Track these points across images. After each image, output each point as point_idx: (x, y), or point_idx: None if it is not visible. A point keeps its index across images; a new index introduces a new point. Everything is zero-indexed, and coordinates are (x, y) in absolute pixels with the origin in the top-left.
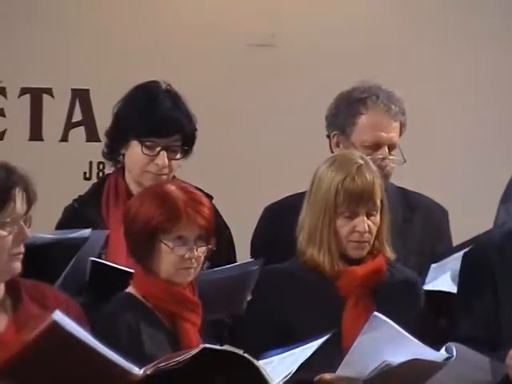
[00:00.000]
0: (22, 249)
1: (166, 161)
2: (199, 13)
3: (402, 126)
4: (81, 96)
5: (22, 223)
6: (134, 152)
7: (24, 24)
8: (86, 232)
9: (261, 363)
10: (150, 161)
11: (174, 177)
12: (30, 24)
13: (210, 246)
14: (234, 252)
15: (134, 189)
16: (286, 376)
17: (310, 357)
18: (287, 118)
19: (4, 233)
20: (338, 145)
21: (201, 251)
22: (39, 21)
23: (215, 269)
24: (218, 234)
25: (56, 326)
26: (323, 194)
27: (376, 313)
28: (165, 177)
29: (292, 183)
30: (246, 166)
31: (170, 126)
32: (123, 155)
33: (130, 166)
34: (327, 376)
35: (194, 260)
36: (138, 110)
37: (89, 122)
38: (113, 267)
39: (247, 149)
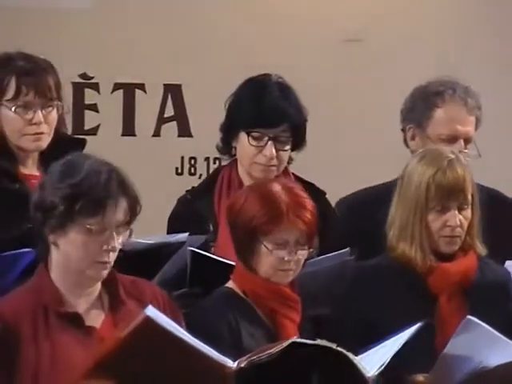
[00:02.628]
0: (106, 258)
1: (274, 152)
2: (292, 9)
3: (478, 121)
4: (173, 91)
5: (114, 233)
6: (243, 144)
7: (116, 20)
8: (184, 237)
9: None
10: (258, 152)
11: (285, 169)
12: (122, 20)
13: (311, 250)
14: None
15: (247, 181)
16: (380, 367)
17: (403, 354)
18: (380, 113)
19: (89, 239)
20: (413, 138)
21: (301, 254)
22: (131, 16)
23: (310, 260)
24: (329, 230)
25: (149, 322)
26: (414, 189)
27: (469, 316)
28: (274, 168)
29: (392, 175)
30: (337, 159)
31: (275, 116)
32: (235, 148)
33: (241, 158)
34: (420, 377)
35: (293, 263)
36: (246, 100)
37: (181, 117)
38: (212, 258)
39: (340, 142)
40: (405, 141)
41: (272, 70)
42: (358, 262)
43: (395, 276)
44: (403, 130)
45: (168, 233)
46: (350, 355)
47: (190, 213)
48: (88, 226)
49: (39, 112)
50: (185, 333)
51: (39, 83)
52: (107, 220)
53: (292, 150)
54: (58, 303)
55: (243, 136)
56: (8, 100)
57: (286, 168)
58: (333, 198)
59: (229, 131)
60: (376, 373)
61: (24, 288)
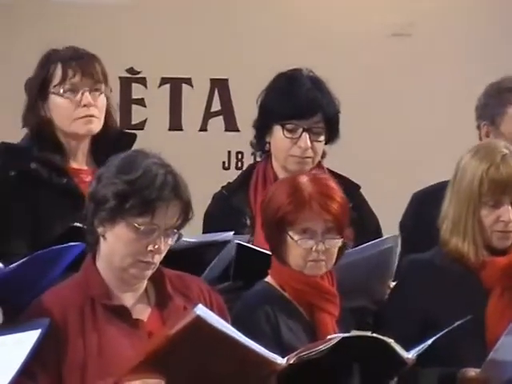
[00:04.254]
0: (150, 259)
1: (309, 142)
2: (338, 4)
3: None
4: (220, 86)
5: (161, 235)
6: (278, 137)
7: (163, 15)
8: (229, 235)
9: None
10: (293, 144)
11: (319, 163)
12: (169, 15)
13: (342, 239)
14: None
15: (282, 175)
16: (419, 350)
17: (454, 349)
18: (426, 107)
19: (135, 238)
20: (487, 135)
21: (330, 244)
22: (178, 11)
23: (350, 250)
24: (365, 224)
25: (199, 321)
26: (467, 184)
27: None
28: (309, 160)
29: (434, 171)
30: (389, 153)
31: (308, 107)
32: (269, 143)
33: (275, 152)
34: (471, 372)
35: (322, 253)
36: (278, 94)
37: (228, 111)
38: (258, 251)
39: (388, 137)
40: (480, 138)
41: (317, 65)
42: (412, 255)
43: (447, 270)
44: (478, 128)
45: (204, 229)
46: (387, 339)
47: (227, 208)
48: (136, 225)
49: (87, 94)
50: (234, 330)
51: (85, 65)
52: (156, 221)
53: (326, 142)
54: (105, 296)
55: (277, 129)
56: (55, 85)
57: (319, 162)
58: (377, 197)
59: (262, 126)
60: (415, 355)
61: (72, 281)
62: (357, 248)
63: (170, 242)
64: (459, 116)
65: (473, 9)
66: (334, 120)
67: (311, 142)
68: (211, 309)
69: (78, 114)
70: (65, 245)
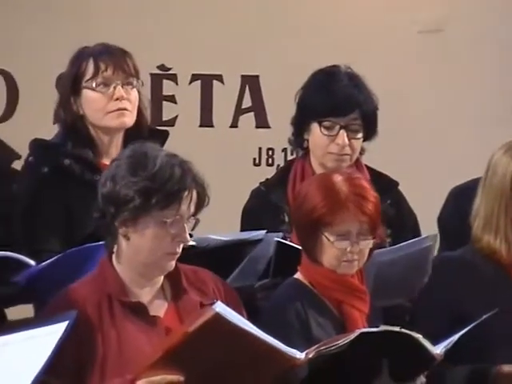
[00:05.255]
0: (177, 249)
1: (346, 140)
2: (367, 1)
3: None
4: (251, 82)
5: (185, 226)
6: (315, 134)
7: (194, 12)
8: (261, 234)
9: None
10: (331, 141)
11: (357, 159)
12: (199, 12)
13: (375, 239)
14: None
15: (320, 172)
16: (447, 345)
17: (487, 345)
18: (458, 103)
19: (162, 231)
20: None
21: (364, 244)
22: (208, 7)
23: (389, 248)
24: (403, 220)
25: (219, 318)
26: (498, 181)
27: None
28: (347, 157)
29: (470, 168)
30: (424, 150)
31: (345, 104)
32: (307, 140)
33: (313, 149)
34: (506, 368)
35: (356, 254)
36: (315, 91)
37: (258, 108)
38: (298, 249)
39: (420, 134)
40: None
41: (348, 61)
42: (443, 252)
43: (479, 267)
44: None
45: (242, 225)
46: (415, 335)
47: (265, 204)
48: (163, 219)
49: (120, 87)
50: (252, 326)
51: (117, 59)
52: (181, 212)
53: (364, 139)
54: (121, 293)
55: (315, 127)
56: (88, 80)
57: (358, 159)
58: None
59: (300, 123)
60: (443, 350)
61: (88, 278)
62: (396, 246)
63: (190, 229)
64: (492, 113)
65: (505, 5)
66: (372, 117)
67: (349, 139)
68: (226, 303)
69: (111, 107)
70: (96, 243)
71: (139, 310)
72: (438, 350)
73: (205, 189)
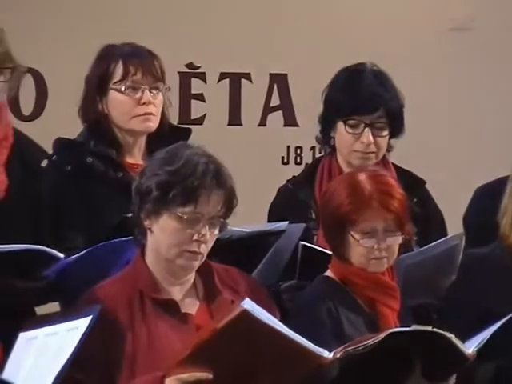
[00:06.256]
0: (196, 248)
1: (371, 138)
2: None
3: None
4: (279, 80)
5: (206, 225)
6: (341, 133)
7: (223, 10)
8: (283, 225)
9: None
10: (356, 139)
11: (384, 157)
12: (228, 10)
13: (403, 236)
14: (445, 235)
15: (346, 169)
16: (479, 344)
17: None
18: (488, 101)
19: (180, 227)
20: None
21: (391, 241)
22: (237, 6)
23: (420, 249)
24: (430, 219)
25: (246, 314)
26: None
27: None
28: (372, 155)
29: (499, 166)
30: (452, 148)
31: (370, 102)
32: (334, 138)
33: (339, 147)
34: None
35: (383, 251)
36: (340, 89)
37: (287, 106)
38: (323, 252)
39: (449, 132)
40: None
41: (377, 59)
42: (471, 249)
43: (508, 264)
44: None
45: (269, 222)
46: (448, 334)
47: (292, 202)
48: (180, 215)
49: (147, 92)
50: (281, 324)
51: (146, 63)
52: (200, 210)
53: (390, 137)
54: (153, 290)
55: (340, 125)
56: (116, 82)
57: (384, 156)
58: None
59: (327, 122)
60: (475, 349)
61: (121, 274)
62: (423, 248)
63: (216, 231)
64: None
65: None
66: (398, 114)
67: (374, 137)
68: (258, 303)
69: (137, 111)
70: (124, 239)
71: (171, 307)
72: (470, 349)
73: (231, 190)
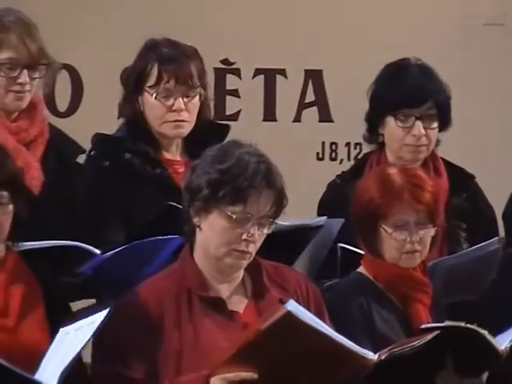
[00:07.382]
0: (245, 247)
1: (423, 130)
2: None
3: None
4: (314, 76)
5: (255, 225)
6: (391, 128)
7: (258, 6)
8: (322, 220)
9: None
10: (407, 133)
11: (433, 151)
12: (263, 6)
13: (435, 228)
14: (496, 230)
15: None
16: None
17: None
18: None
19: (229, 226)
20: None
21: (423, 233)
22: (273, 3)
23: (457, 253)
24: (479, 214)
25: (290, 316)
26: None
27: None
28: (423, 148)
29: None
30: (493, 143)
31: (419, 94)
32: (382, 135)
33: (389, 143)
34: None
35: (416, 244)
36: (387, 84)
37: (322, 102)
38: (359, 253)
39: (487, 126)
40: None
41: (410, 54)
42: (508, 248)
43: None
44: None
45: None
46: (481, 330)
47: (340, 197)
48: (229, 214)
49: (180, 99)
50: (325, 325)
51: (181, 71)
52: (249, 210)
53: (439, 130)
54: (201, 287)
55: (390, 120)
56: (150, 86)
57: (433, 151)
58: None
59: (375, 118)
60: (508, 345)
61: (168, 271)
62: (464, 251)
63: (266, 231)
64: None
65: None
66: (446, 107)
67: (424, 129)
68: (308, 302)
69: (168, 118)
70: (167, 237)
71: (218, 305)
72: (503, 345)
73: (281, 190)
